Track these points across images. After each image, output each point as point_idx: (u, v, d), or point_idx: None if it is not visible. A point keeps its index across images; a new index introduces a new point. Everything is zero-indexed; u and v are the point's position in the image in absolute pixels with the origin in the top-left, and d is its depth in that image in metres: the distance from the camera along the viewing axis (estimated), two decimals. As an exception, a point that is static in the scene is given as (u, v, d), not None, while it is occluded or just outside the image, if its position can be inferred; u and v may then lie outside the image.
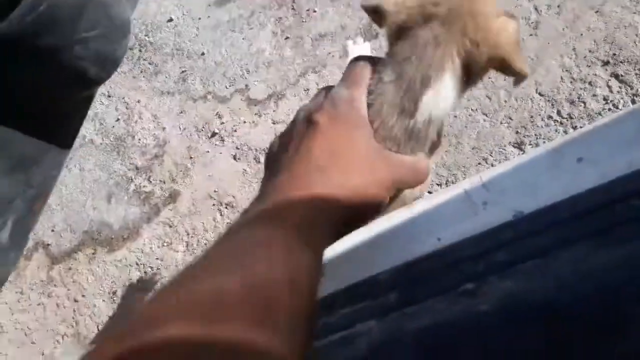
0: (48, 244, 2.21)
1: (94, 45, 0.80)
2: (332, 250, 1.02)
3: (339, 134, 0.48)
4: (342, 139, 0.48)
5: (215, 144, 2.19)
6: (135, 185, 2.25)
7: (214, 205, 2.07)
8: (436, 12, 0.50)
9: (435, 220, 0.90)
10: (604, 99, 1.79)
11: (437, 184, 1.84)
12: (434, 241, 0.86)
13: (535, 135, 1.81)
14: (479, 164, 1.83)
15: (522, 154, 1.81)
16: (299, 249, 0.39)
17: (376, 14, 0.57)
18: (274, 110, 2.14)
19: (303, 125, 0.50)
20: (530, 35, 1.94)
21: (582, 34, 1.87)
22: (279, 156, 0.50)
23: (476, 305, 0.76)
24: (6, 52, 0.64)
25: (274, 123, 2.14)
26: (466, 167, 1.83)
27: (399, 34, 0.54)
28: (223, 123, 2.20)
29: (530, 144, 1.81)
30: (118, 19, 0.81)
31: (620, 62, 1.81)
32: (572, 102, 1.82)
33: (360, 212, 0.49)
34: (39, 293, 2.10)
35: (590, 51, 1.86)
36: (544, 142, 1.78)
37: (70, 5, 0.67)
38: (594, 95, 1.81)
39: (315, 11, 2.26)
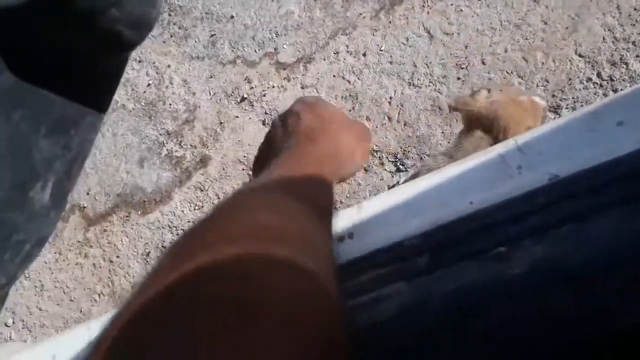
0: (84, 207, 2.29)
1: (129, 7, 0.80)
2: (363, 213, 1.02)
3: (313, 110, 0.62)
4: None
5: (245, 109, 2.19)
6: (167, 149, 2.29)
7: (243, 169, 2.09)
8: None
9: (468, 184, 0.89)
10: (649, 60, 1.70)
11: (468, 150, 1.81)
12: (466, 205, 0.85)
13: (573, 98, 1.75)
14: (513, 128, 1.78)
15: (559, 117, 1.75)
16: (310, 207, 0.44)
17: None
18: (302, 74, 2.12)
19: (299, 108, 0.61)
20: (572, -8, 1.84)
21: (627, -9, 1.77)
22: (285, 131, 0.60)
23: (507, 270, 0.76)
24: (45, 16, 0.65)
25: (302, 87, 2.13)
26: (499, 132, 1.79)
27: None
28: (252, 88, 2.20)
29: (567, 108, 1.75)
30: None
31: (668, 20, 1.71)
32: (613, 64, 1.74)
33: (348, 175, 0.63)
34: (76, 253, 2.19)
35: (635, 9, 1.76)
36: (582, 106, 1.72)
37: None
38: (637, 56, 1.72)
39: (344, -29, 2.20)
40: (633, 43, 1.73)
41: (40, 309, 2.18)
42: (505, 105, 1.15)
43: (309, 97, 0.66)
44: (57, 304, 2.16)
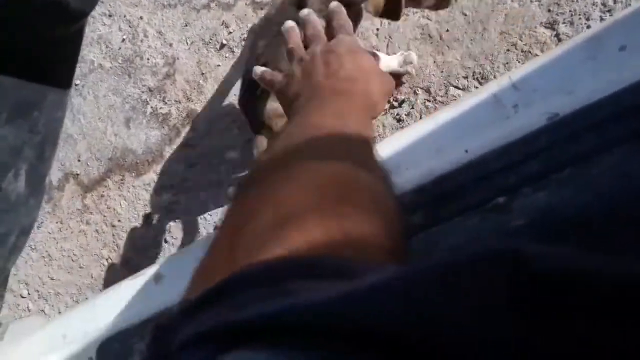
0: (77, 174, 2.26)
1: None
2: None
3: (354, 58, 0.62)
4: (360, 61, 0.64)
5: (226, 57, 2.09)
6: (152, 107, 2.21)
7: (233, 122, 2.03)
8: None
9: (462, 129, 0.83)
10: (651, -40, 1.57)
11: (464, 77, 1.72)
12: (460, 154, 0.80)
13: (570, 11, 1.64)
14: (508, 50, 1.69)
15: (555, 34, 1.65)
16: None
17: None
18: None
19: (327, 56, 0.62)
20: None
21: None
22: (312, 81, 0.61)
23: (508, 221, 0.72)
24: None
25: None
26: (494, 55, 1.70)
27: None
28: (230, 33, 2.08)
29: (564, 22, 1.64)
30: None
31: None
32: (612, -31, 1.62)
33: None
34: (77, 221, 2.19)
35: None
36: (579, 19, 1.61)
37: None
38: (638, -43, 1.59)
39: None
40: (633, -58, 1.59)
41: (52, 279, 2.21)
42: None
43: (347, 39, 0.65)
44: (68, 272, 2.19)
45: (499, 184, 0.73)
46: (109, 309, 0.96)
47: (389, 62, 1.74)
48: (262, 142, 1.40)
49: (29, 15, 0.72)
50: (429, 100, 1.69)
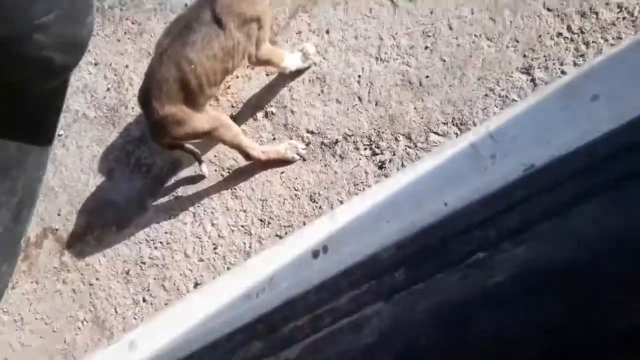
0: (56, 229, 2.20)
1: (55, 29, 0.71)
2: (337, 222, 0.96)
3: None
4: None
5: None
6: (135, 157, 2.19)
7: (216, 170, 2.01)
8: None
9: (442, 181, 0.83)
10: (618, 6, 1.63)
11: (443, 123, 1.73)
12: (440, 207, 0.79)
13: (545, 56, 1.68)
14: (486, 95, 1.71)
15: (531, 79, 1.69)
16: None
17: None
18: (265, 62, 2.03)
19: None
20: (533, -57, 1.75)
21: (590, -64, 1.68)
22: None
23: (489, 277, 0.70)
24: None
25: (267, 74, 2.04)
26: (472, 100, 1.72)
27: None
28: (214, 83, 2.10)
29: (539, 67, 1.68)
30: None
31: (635, -37, 1.63)
32: (582, 15, 1.67)
33: None
34: (53, 280, 2.12)
35: (601, -46, 1.67)
36: (554, 64, 1.65)
37: None
38: (607, 3, 1.65)
39: (294, -53, 2.08)
40: (601, -10, 1.65)
41: (22, 344, 2.12)
42: None
43: None
44: (40, 337, 2.10)
45: (479, 239, 0.72)
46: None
47: (294, 61, 1.91)
48: None
49: (11, 72, 0.71)
50: (409, 147, 1.70)
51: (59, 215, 2.21)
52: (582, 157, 0.70)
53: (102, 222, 2.14)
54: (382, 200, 0.82)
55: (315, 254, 0.84)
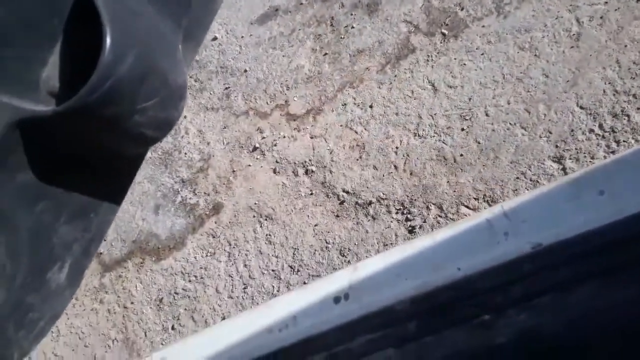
0: (100, 253, 2.37)
1: (152, 112, 0.87)
2: (358, 273, 1.06)
3: None
4: None
5: (257, 158, 2.27)
6: (182, 197, 2.37)
7: (254, 216, 2.15)
8: None
9: (457, 249, 0.93)
10: (650, 112, 1.73)
11: (475, 198, 1.83)
12: (454, 271, 0.89)
13: (576, 149, 1.78)
14: (517, 178, 1.81)
15: (562, 168, 1.78)
16: None
17: None
18: (312, 125, 2.20)
19: None
20: (572, 47, 1.90)
21: (626, 46, 1.82)
22: None
23: (493, 338, 0.79)
24: (74, 121, 0.73)
25: (311, 137, 2.20)
26: (504, 181, 1.82)
27: None
28: (264, 138, 2.28)
29: (570, 159, 1.78)
30: (175, 84, 0.88)
31: (667, 74, 1.74)
32: (614, 115, 1.77)
33: None
34: (91, 299, 2.26)
35: (634, 63, 1.80)
36: (585, 156, 1.74)
37: (132, 79, 0.74)
38: (639, 108, 1.75)
39: (353, 27, 2.31)
40: (634, 96, 1.77)
41: (55, 355, 2.24)
42: None
43: None
44: (72, 350, 2.21)
45: (486, 303, 0.81)
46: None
47: None
48: None
49: (108, 140, 0.87)
50: (440, 216, 1.80)
51: (104, 240, 2.39)
52: (585, 242, 0.79)
53: (143, 252, 2.29)
54: (401, 259, 0.93)
55: (336, 299, 0.94)
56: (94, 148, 0.84)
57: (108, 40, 0.71)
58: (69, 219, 0.89)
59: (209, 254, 2.16)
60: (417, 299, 0.87)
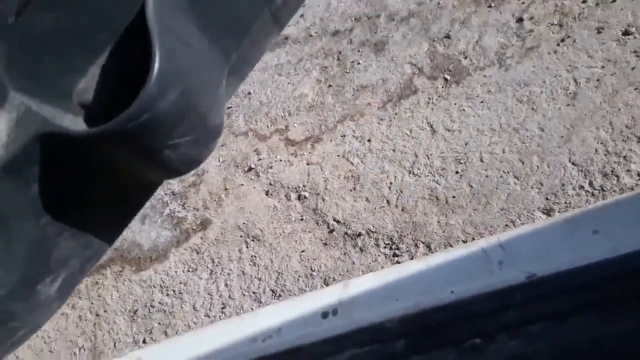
0: (81, 257, 2.32)
1: (184, 150, 0.86)
2: (349, 290, 1.05)
3: None
4: None
5: (251, 178, 2.27)
6: (170, 209, 2.35)
7: (241, 236, 2.13)
8: None
9: (451, 274, 0.93)
10: (638, 174, 1.78)
11: (463, 241, 1.85)
12: (447, 294, 0.89)
13: (566, 203, 1.81)
14: (507, 225, 1.84)
15: (550, 220, 1.81)
16: None
17: None
18: (309, 152, 2.23)
19: None
20: (568, 105, 1.97)
21: (619, 109, 1.90)
22: None
23: (482, 361, 0.78)
24: (103, 145, 0.73)
25: (307, 164, 2.22)
26: (493, 227, 1.84)
27: None
28: (260, 159, 2.30)
29: (559, 212, 1.81)
30: (212, 124, 0.88)
31: (657, 140, 1.81)
32: (605, 175, 1.82)
33: None
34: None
35: (627, 126, 1.87)
36: (574, 210, 1.78)
37: (171, 115, 0.74)
38: (628, 170, 1.81)
39: (359, 63, 2.37)
40: (624, 158, 1.82)
41: (17, 357, 2.14)
42: None
43: None
44: (36, 354, 2.12)
45: (478, 327, 0.81)
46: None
47: None
48: None
49: (131, 168, 0.87)
50: (427, 255, 1.80)
51: (86, 244, 2.34)
52: (578, 276, 0.80)
53: (123, 261, 2.24)
54: (393, 280, 0.93)
55: (324, 314, 0.93)
56: (114, 172, 0.84)
57: (155, 72, 0.69)
58: (72, 235, 0.88)
59: (190, 270, 2.12)
60: (407, 318, 0.87)
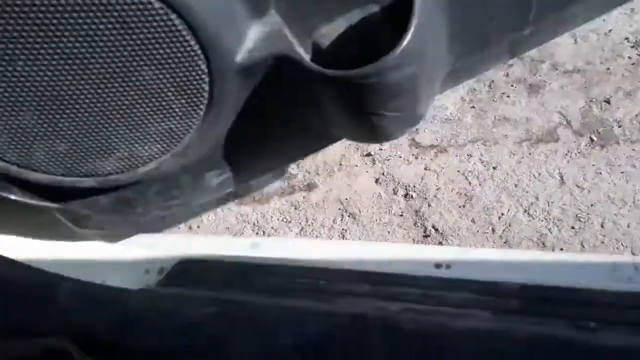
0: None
1: (386, 123, 0.83)
2: (464, 253, 1.09)
3: None
4: None
5: (366, 163, 2.36)
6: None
7: (339, 209, 2.22)
8: None
9: (577, 271, 0.94)
10: None
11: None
12: (573, 283, 0.90)
13: None
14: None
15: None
16: None
17: None
18: (431, 159, 2.27)
19: None
20: None
21: None
22: None
23: (590, 340, 0.79)
24: (334, 87, 0.73)
25: (425, 169, 2.27)
26: (592, 292, 1.77)
27: None
28: (381, 149, 2.38)
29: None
30: (418, 112, 0.87)
31: None
32: None
33: None
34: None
35: None
36: None
37: (400, 86, 0.74)
38: None
39: (508, 96, 2.39)
40: None
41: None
42: None
43: None
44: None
45: (596, 315, 0.82)
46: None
47: None
48: None
49: (337, 119, 0.90)
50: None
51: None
52: None
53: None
54: (520, 261, 0.97)
55: (437, 265, 0.98)
56: (315, 114, 0.86)
57: (410, 33, 0.68)
58: (254, 149, 0.91)
59: (285, 220, 2.24)
60: (527, 286, 0.89)
